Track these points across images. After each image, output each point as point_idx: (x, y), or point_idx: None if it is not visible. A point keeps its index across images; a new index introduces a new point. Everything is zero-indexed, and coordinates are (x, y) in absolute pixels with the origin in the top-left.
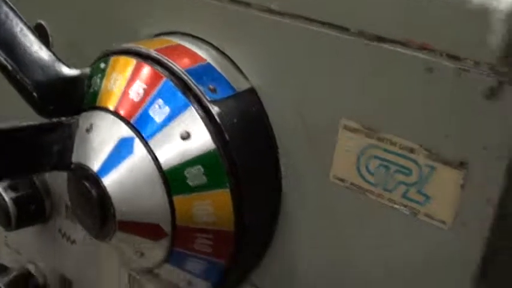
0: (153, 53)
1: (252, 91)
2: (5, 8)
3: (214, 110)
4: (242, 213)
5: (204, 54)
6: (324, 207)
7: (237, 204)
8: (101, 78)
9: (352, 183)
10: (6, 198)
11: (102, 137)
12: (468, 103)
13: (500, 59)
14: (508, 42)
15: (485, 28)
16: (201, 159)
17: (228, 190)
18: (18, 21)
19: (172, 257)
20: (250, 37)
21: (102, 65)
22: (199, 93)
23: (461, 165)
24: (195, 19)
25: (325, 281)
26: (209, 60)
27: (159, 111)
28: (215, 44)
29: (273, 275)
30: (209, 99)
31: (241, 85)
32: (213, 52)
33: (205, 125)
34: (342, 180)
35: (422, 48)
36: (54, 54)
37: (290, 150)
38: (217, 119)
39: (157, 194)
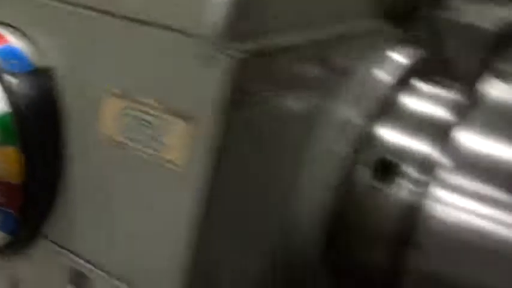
0: None
1: (48, 69)
2: None
3: (12, 81)
4: (28, 168)
5: (13, 38)
6: (95, 163)
7: (25, 161)
8: None
9: (114, 140)
10: None
11: None
12: (195, 69)
13: (216, 33)
14: (223, 19)
15: (206, 6)
16: None
17: (17, 148)
18: None
19: None
20: (50, 25)
21: None
22: (2, 67)
23: (190, 118)
24: (12, 11)
25: (103, 231)
26: (17, 43)
27: None
28: (24, 30)
29: (61, 227)
30: (9, 72)
31: (39, 63)
32: (22, 37)
33: (4, 93)
34: (108, 138)
35: (159, 26)
36: None
37: (73, 117)
38: (14, 88)
39: None
